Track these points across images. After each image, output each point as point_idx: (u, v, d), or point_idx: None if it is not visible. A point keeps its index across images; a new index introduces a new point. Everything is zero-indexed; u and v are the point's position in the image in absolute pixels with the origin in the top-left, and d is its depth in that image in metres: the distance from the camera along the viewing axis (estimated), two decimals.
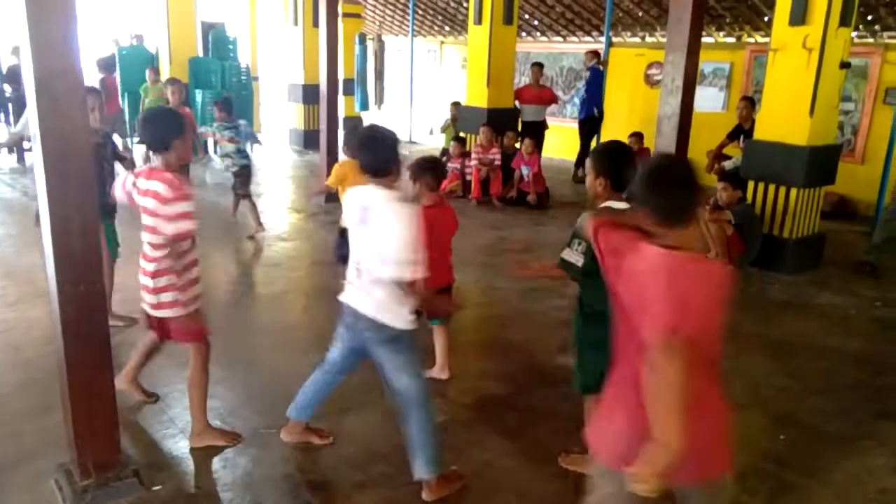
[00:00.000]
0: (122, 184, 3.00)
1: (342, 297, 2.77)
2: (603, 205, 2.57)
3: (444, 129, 10.81)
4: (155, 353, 3.42)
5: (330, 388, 3.05)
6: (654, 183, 1.83)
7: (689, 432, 1.65)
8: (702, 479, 1.86)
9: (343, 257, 4.77)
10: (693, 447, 1.67)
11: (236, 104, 11.52)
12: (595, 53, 9.99)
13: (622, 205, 2.47)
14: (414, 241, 2.48)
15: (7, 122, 10.61)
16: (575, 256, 2.64)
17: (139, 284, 2.97)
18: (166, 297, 2.91)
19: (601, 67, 10.18)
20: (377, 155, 2.63)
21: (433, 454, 2.73)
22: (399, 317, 2.63)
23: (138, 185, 2.92)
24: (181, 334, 3.03)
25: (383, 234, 2.51)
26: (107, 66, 10.87)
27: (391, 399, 2.80)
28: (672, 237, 1.80)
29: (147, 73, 10.60)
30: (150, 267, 2.89)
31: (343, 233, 4.93)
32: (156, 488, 2.81)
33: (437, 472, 2.74)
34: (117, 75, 11.41)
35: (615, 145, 2.89)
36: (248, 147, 7.02)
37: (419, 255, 2.50)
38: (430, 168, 3.57)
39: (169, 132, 2.90)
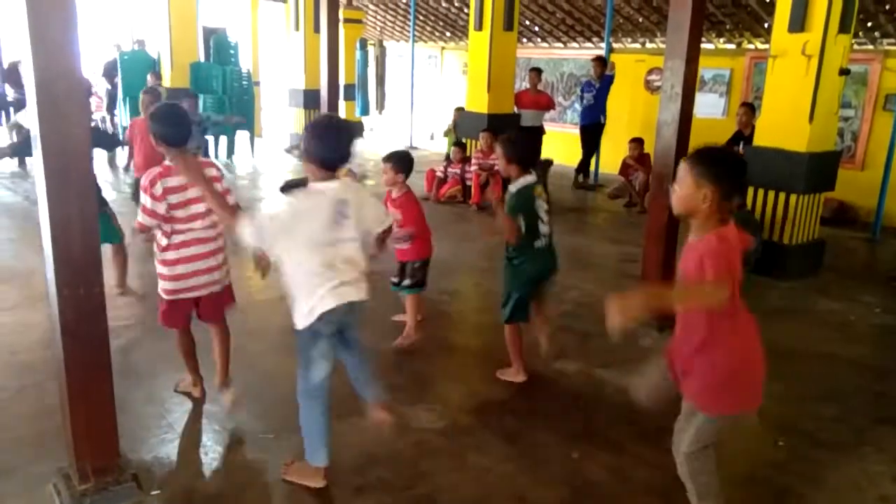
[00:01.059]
0: (150, 209, 3.03)
1: (334, 303, 2.65)
2: (517, 183, 3.55)
3: (446, 134, 10.83)
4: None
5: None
6: (733, 170, 2.27)
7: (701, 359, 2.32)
8: (688, 397, 2.43)
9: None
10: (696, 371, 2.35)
11: (238, 108, 11.62)
12: (604, 60, 9.99)
13: (531, 178, 3.56)
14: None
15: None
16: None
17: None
18: (227, 267, 3.36)
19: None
20: (343, 149, 2.65)
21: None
22: None
23: (173, 183, 3.05)
24: (229, 299, 3.48)
25: (366, 213, 2.76)
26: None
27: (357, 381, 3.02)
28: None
29: (148, 77, 10.64)
30: (220, 243, 3.29)
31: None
32: (154, 493, 2.81)
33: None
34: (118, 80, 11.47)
35: (518, 136, 3.80)
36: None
37: None
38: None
39: (188, 127, 3.22)
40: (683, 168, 2.28)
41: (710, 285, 2.14)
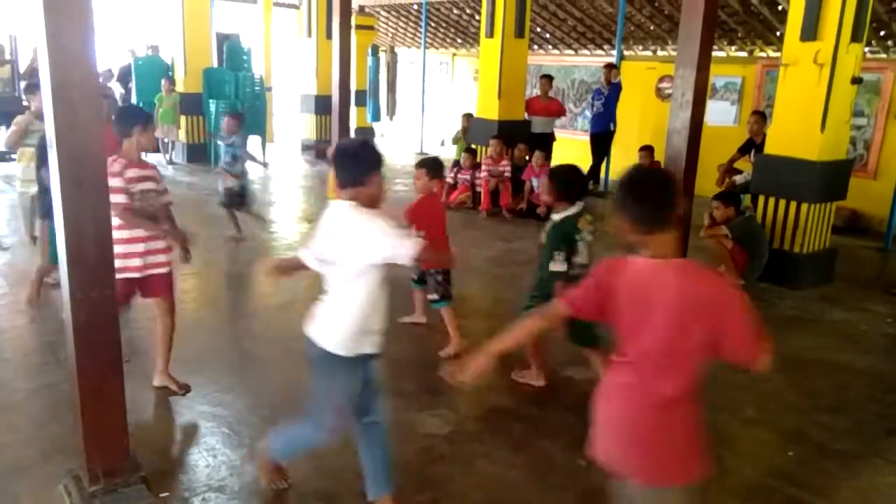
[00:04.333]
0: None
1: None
2: (561, 213, 3.55)
3: (455, 141, 10.84)
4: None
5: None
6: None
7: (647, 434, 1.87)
8: (647, 481, 1.92)
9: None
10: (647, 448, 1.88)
11: (250, 114, 11.69)
12: (614, 67, 9.99)
13: (576, 209, 3.55)
14: None
15: None
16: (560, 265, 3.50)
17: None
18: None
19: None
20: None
21: None
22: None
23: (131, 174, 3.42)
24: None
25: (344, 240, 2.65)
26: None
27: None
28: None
29: (162, 82, 10.75)
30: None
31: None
32: (163, 495, 2.83)
33: None
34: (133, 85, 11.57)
35: (570, 169, 3.71)
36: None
37: None
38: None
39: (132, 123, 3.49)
40: None
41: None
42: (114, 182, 3.30)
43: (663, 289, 1.82)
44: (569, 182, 3.58)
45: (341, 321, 2.47)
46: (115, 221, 3.32)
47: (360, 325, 2.47)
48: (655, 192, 1.89)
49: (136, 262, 3.43)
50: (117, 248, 3.31)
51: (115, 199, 3.29)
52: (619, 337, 1.94)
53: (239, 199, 6.83)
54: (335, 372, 2.51)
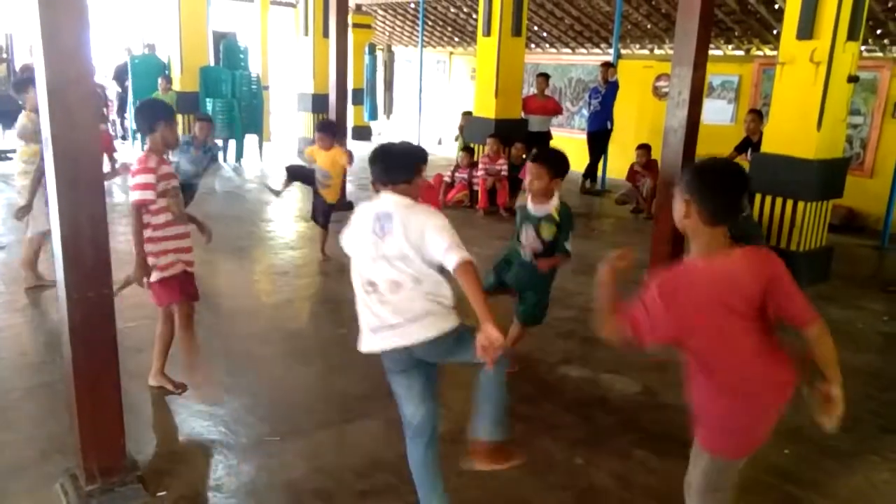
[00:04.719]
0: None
1: (377, 347, 2.52)
2: (557, 197, 3.74)
3: (457, 139, 10.83)
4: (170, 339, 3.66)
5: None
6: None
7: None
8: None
9: None
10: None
11: (247, 113, 11.69)
12: (611, 65, 10.00)
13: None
14: None
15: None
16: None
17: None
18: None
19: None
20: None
21: None
22: None
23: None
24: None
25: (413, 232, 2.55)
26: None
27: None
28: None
29: (159, 81, 10.73)
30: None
31: None
32: (160, 494, 2.82)
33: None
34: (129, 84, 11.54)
35: (551, 149, 3.99)
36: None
37: None
38: None
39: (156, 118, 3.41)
40: None
41: None
42: (148, 178, 3.26)
43: (749, 281, 1.95)
44: (558, 159, 3.78)
45: (446, 299, 2.52)
46: (161, 219, 3.33)
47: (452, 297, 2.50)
48: (736, 185, 1.95)
49: (188, 256, 3.49)
50: (171, 245, 3.39)
51: (145, 195, 3.26)
52: (707, 348, 1.99)
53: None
54: (465, 333, 2.55)
